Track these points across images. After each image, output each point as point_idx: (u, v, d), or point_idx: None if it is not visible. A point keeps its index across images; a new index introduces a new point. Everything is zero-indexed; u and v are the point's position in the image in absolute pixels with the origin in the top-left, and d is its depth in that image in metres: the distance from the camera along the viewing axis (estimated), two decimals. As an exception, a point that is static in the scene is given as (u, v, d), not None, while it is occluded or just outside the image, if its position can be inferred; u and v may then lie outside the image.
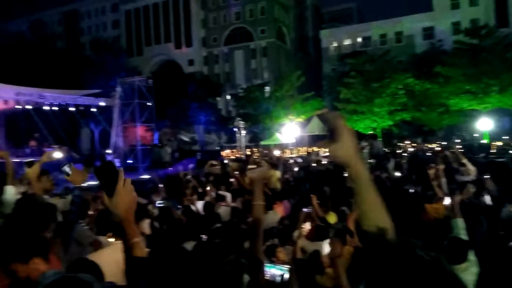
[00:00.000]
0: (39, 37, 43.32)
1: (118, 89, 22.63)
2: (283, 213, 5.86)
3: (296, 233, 4.18)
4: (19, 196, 3.35)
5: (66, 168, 2.80)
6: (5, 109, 18.46)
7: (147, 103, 23.48)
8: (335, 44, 50.59)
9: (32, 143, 20.78)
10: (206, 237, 3.62)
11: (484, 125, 26.22)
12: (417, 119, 32.23)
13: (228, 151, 28.86)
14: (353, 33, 49.48)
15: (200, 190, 6.87)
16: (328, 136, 1.18)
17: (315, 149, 24.65)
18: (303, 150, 26.53)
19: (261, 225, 2.21)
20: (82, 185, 3.14)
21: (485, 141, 26.04)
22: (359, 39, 49.14)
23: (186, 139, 38.88)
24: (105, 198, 1.48)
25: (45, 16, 62.25)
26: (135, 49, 57.85)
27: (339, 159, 1.16)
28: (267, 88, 39.91)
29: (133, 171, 19.72)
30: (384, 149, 25.17)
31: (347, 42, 49.89)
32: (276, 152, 20.39)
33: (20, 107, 18.18)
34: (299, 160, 17.46)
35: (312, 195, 5.45)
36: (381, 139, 30.08)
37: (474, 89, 28.15)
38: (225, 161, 16.75)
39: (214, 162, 14.34)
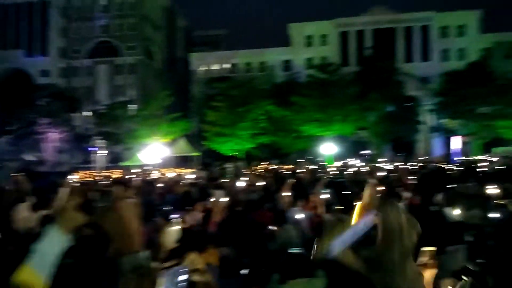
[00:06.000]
0: None
1: None
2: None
3: None
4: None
5: None
6: None
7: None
8: (203, 68, 51.44)
9: None
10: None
11: (328, 149, 29.45)
12: (274, 142, 34.79)
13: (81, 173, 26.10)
14: (221, 58, 51.24)
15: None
16: None
17: (183, 170, 24.13)
18: (165, 172, 25.71)
19: None
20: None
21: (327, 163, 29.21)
22: (227, 65, 51.12)
23: (31, 158, 33.96)
24: None
25: None
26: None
27: None
28: (132, 106, 38.15)
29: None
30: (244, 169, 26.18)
31: (215, 66, 51.19)
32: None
33: None
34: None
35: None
36: (243, 161, 31.37)
37: (321, 117, 31.87)
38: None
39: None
